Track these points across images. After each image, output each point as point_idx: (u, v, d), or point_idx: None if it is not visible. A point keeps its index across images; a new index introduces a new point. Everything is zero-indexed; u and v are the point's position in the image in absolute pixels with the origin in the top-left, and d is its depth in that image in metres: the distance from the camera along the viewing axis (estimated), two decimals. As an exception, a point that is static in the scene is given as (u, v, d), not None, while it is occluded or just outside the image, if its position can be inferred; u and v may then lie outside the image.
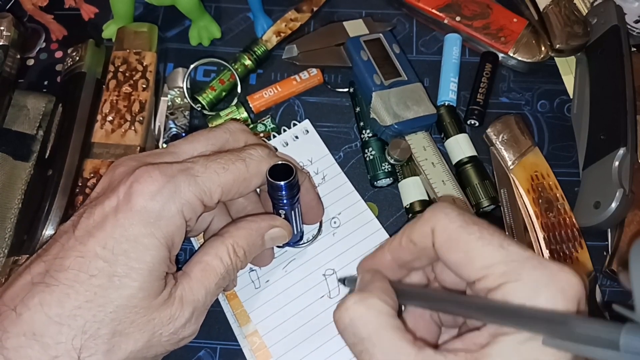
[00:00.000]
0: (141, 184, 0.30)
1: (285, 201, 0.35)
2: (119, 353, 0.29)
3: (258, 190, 0.37)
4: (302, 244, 0.40)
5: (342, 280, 0.38)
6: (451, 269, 0.27)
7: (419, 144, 0.43)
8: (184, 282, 0.31)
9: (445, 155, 0.44)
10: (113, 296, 0.29)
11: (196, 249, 0.41)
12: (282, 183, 0.34)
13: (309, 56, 0.46)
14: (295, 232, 0.38)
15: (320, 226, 0.41)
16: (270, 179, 0.34)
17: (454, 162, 0.43)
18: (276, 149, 0.44)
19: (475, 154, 0.43)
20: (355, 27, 0.47)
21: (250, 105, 0.46)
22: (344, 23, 0.47)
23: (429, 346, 0.25)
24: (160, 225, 0.30)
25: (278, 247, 0.39)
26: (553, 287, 0.23)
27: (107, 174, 0.34)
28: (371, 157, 0.43)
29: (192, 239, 0.41)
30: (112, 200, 0.30)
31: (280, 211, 0.36)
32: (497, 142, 0.43)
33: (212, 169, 0.32)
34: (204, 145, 0.35)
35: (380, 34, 0.46)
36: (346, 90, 0.47)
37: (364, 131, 0.45)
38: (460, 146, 0.43)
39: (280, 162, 0.34)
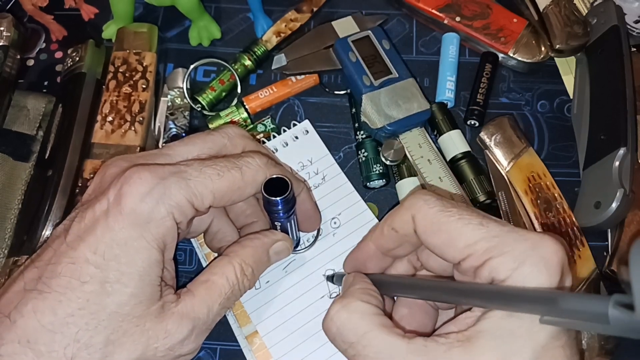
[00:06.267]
0: (131, 186, 0.29)
1: (281, 215, 0.35)
2: None
3: None
4: (299, 250, 0.40)
5: (331, 278, 0.39)
6: (435, 253, 0.28)
7: (414, 141, 0.42)
8: (186, 298, 0.31)
9: (439, 153, 0.44)
10: (105, 303, 0.28)
11: (196, 249, 0.41)
12: (277, 199, 0.33)
13: (298, 63, 0.46)
14: (293, 241, 0.39)
15: (318, 232, 0.41)
16: (265, 194, 0.33)
17: (448, 159, 0.43)
18: (276, 150, 0.44)
19: (469, 149, 0.43)
20: (345, 26, 0.47)
21: (246, 106, 0.46)
22: (333, 23, 0.47)
23: (421, 335, 0.26)
24: (150, 227, 0.29)
25: None
26: (535, 257, 0.24)
27: (97, 174, 0.33)
28: (364, 158, 0.43)
29: (192, 239, 0.41)
30: (103, 204, 0.30)
31: (276, 223, 0.36)
32: (491, 145, 0.43)
33: (206, 174, 0.31)
34: (200, 149, 0.34)
35: (369, 31, 0.46)
36: (344, 92, 0.47)
37: (358, 132, 0.45)
38: (454, 142, 0.43)
39: (275, 176, 0.34)
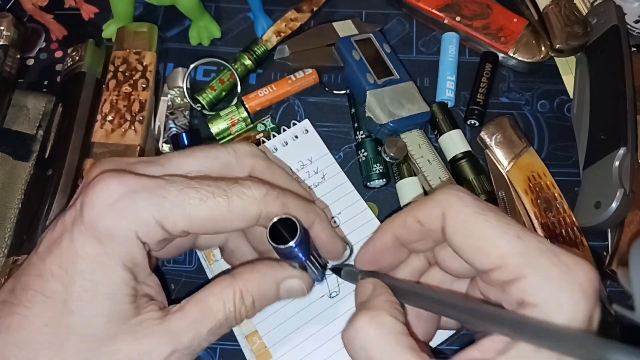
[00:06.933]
0: (94, 195, 0.26)
1: (293, 258, 0.31)
2: None
3: None
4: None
5: (337, 271, 0.35)
6: (461, 256, 0.26)
7: (414, 141, 0.43)
8: (173, 318, 0.28)
9: (439, 152, 0.44)
10: (69, 322, 0.26)
11: (204, 265, 0.41)
12: (284, 247, 0.29)
13: (300, 56, 0.46)
14: (316, 276, 0.34)
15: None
16: (271, 242, 0.29)
17: (448, 159, 0.44)
18: (276, 149, 0.44)
19: (470, 149, 0.43)
20: (345, 28, 0.47)
21: (246, 105, 0.46)
22: (334, 24, 0.47)
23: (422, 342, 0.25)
24: (114, 244, 0.26)
25: None
26: (573, 285, 0.23)
27: (85, 175, 0.31)
28: (364, 158, 0.43)
29: (198, 252, 0.41)
30: (72, 212, 0.27)
31: (292, 263, 0.32)
32: (492, 144, 0.43)
33: (186, 195, 0.27)
34: (200, 163, 0.31)
35: (371, 34, 0.46)
36: (343, 92, 0.47)
37: (358, 132, 0.45)
38: (454, 142, 0.43)
39: (277, 219, 0.29)
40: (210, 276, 0.40)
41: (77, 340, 0.26)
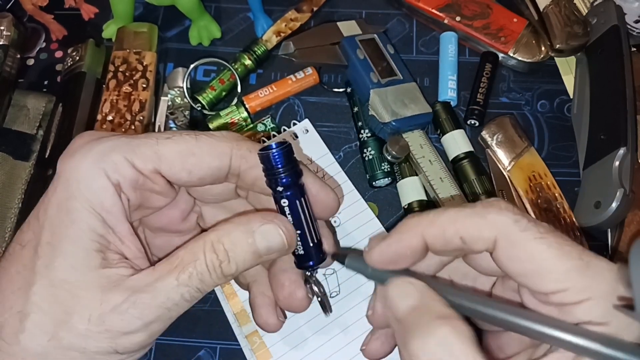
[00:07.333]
0: (68, 148, 0.28)
1: (284, 180, 0.28)
2: (38, 334, 0.25)
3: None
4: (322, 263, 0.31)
5: (340, 258, 0.31)
6: (515, 279, 0.25)
7: (416, 142, 0.43)
8: (143, 272, 0.27)
9: (442, 152, 0.44)
10: (37, 266, 0.26)
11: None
12: (274, 150, 0.27)
13: (305, 53, 0.46)
14: (310, 241, 0.30)
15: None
16: (260, 152, 0.28)
17: (450, 158, 0.44)
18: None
19: (472, 149, 0.43)
20: (349, 28, 0.48)
21: (247, 106, 0.46)
22: (338, 23, 0.48)
23: None
24: (80, 186, 0.26)
25: (301, 267, 0.31)
26: None
27: None
28: (370, 157, 0.43)
29: None
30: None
31: (282, 202, 0.29)
32: (493, 144, 0.43)
33: (154, 136, 0.28)
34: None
35: (375, 35, 0.47)
36: (342, 90, 0.47)
37: (362, 131, 0.45)
38: (457, 142, 0.43)
39: (272, 143, 0.28)
40: (219, 294, 0.40)
41: (40, 284, 0.26)
